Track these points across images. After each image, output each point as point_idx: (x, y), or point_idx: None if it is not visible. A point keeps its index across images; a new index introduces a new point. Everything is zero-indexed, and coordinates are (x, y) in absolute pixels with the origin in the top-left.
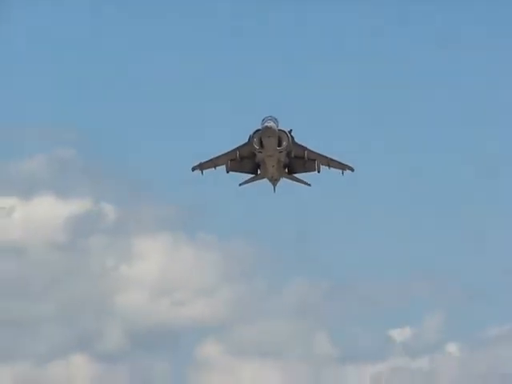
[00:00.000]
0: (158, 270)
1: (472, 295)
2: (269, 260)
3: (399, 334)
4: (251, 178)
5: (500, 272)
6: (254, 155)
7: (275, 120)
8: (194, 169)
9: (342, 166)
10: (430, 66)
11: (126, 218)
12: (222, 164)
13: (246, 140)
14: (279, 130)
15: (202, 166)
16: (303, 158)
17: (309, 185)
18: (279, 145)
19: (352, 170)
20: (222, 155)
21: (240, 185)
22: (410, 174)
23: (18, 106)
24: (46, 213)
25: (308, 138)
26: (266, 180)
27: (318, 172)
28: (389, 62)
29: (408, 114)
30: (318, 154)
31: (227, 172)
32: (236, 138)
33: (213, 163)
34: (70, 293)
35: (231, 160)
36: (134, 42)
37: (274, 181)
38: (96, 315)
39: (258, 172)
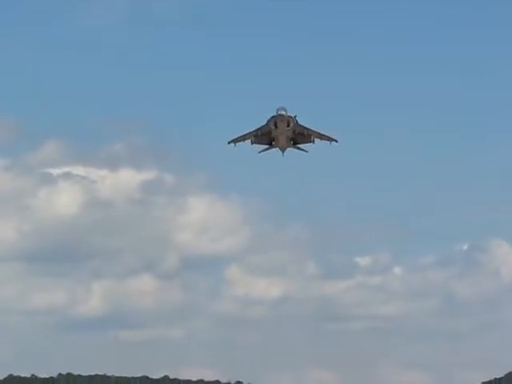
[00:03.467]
0: (202, 218)
1: (414, 234)
2: (275, 207)
3: (362, 261)
4: (267, 148)
5: (430, 214)
6: (270, 133)
7: (285, 109)
8: (229, 142)
9: (329, 139)
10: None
11: (180, 183)
12: (248, 139)
13: (264, 123)
14: (288, 116)
15: (235, 141)
16: (303, 134)
17: (306, 151)
18: (288, 126)
19: (336, 141)
20: (248, 133)
21: (259, 152)
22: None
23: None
24: (127, 180)
25: (306, 119)
26: (277, 149)
27: (313, 143)
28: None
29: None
30: (313, 131)
31: (251, 144)
32: (255, 121)
33: (242, 138)
34: (142, 232)
35: (254, 136)
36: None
37: (283, 149)
38: (160, 248)
39: (273, 144)
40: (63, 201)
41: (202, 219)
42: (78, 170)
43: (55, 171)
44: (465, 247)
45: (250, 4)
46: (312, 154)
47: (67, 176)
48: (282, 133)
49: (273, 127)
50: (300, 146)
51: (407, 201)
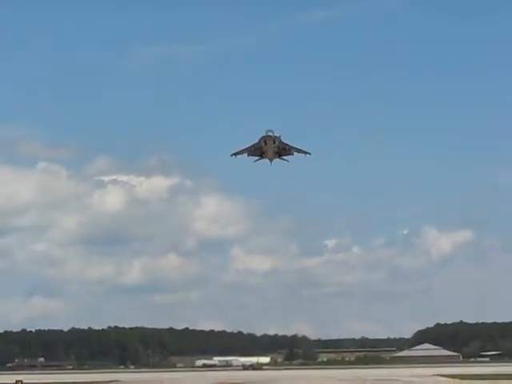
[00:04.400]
0: (213, 212)
1: (368, 222)
2: (266, 203)
3: (330, 243)
4: (259, 158)
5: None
6: (261, 148)
7: (272, 131)
8: (231, 155)
9: (304, 152)
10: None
11: (196, 186)
12: (245, 152)
13: (257, 141)
14: (274, 136)
15: (236, 153)
16: (285, 149)
17: (288, 161)
18: (274, 143)
19: (309, 153)
20: (245, 148)
21: (254, 161)
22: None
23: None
24: (158, 184)
25: (288, 138)
26: (266, 159)
27: (293, 155)
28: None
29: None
30: (292, 146)
31: (247, 156)
32: (251, 139)
33: (241, 152)
34: (169, 223)
35: (250, 150)
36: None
37: (271, 160)
38: (182, 234)
39: (263, 156)
40: (111, 200)
41: (213, 213)
42: (122, 178)
43: (106, 178)
44: (405, 232)
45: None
46: (292, 164)
47: (114, 182)
48: (269, 148)
49: (263, 144)
50: (283, 157)
51: (363, 197)
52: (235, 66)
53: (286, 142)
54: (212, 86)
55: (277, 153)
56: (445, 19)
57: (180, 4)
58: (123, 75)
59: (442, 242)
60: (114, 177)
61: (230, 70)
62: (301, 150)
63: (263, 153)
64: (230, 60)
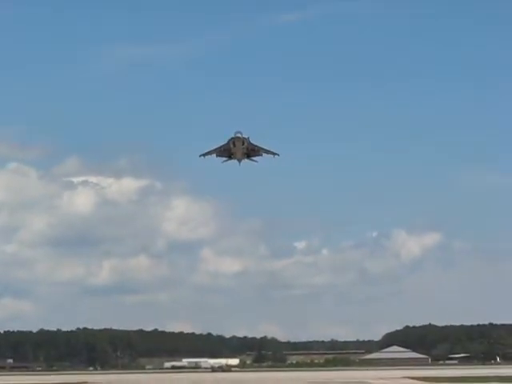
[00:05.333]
0: (182, 213)
1: (337, 225)
2: (236, 205)
3: (299, 244)
4: (228, 159)
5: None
6: (230, 149)
7: (241, 132)
8: (200, 155)
9: (273, 153)
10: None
11: (166, 188)
12: (214, 153)
13: (226, 142)
14: (243, 137)
15: (204, 154)
16: (254, 150)
17: (256, 162)
18: (243, 144)
19: (278, 154)
20: (214, 149)
21: (222, 162)
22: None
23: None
24: (128, 185)
25: (256, 139)
26: (235, 160)
27: (261, 155)
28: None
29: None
30: (261, 147)
31: (216, 156)
32: (219, 140)
33: (209, 153)
34: (139, 224)
35: (218, 151)
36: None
37: (240, 161)
38: (152, 235)
39: (231, 156)
40: (81, 201)
41: (183, 214)
42: (92, 179)
43: (76, 179)
44: (374, 234)
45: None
46: (262, 165)
47: (84, 183)
48: (238, 150)
49: (232, 146)
50: (252, 158)
51: (332, 199)
52: (207, 67)
53: (254, 143)
54: (183, 87)
55: (245, 154)
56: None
57: (151, 4)
58: (94, 75)
59: (411, 244)
60: (84, 178)
61: (201, 71)
62: (269, 150)
63: (232, 154)
64: (201, 61)
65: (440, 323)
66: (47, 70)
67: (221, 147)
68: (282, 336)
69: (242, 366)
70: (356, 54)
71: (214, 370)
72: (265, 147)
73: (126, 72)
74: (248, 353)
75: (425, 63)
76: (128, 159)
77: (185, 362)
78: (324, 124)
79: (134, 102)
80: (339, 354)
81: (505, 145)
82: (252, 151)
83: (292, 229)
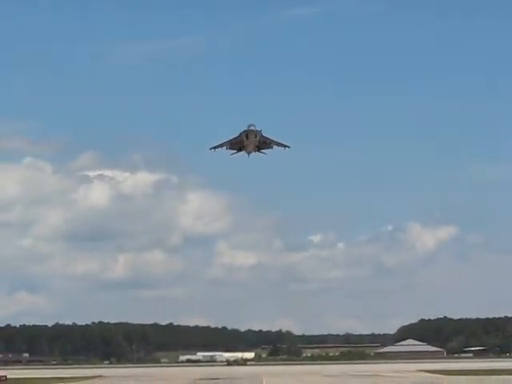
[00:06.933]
0: (197, 207)
1: (353, 218)
2: (251, 198)
3: (315, 238)
4: (237, 151)
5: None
6: (242, 142)
7: (254, 125)
8: (211, 149)
9: (284, 146)
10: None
11: (182, 182)
12: (225, 146)
13: (237, 134)
14: (256, 130)
15: (215, 147)
16: (266, 142)
17: (265, 153)
18: (255, 137)
19: (289, 147)
20: (225, 142)
21: (231, 155)
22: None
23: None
24: (143, 179)
25: (268, 131)
26: (244, 152)
27: (271, 148)
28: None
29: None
30: (273, 140)
31: (226, 149)
32: (229, 133)
33: (221, 145)
34: (154, 218)
35: (230, 144)
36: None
37: (249, 153)
38: (167, 229)
39: (241, 149)
40: (97, 195)
41: (198, 208)
42: (108, 173)
43: (91, 173)
44: (390, 228)
45: None
46: (276, 158)
47: (100, 177)
48: (251, 142)
49: (245, 138)
50: (261, 150)
51: (348, 193)
52: (220, 62)
53: (266, 135)
54: (198, 81)
55: (257, 146)
56: (432, 19)
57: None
58: (109, 71)
59: (426, 238)
60: (100, 172)
61: (215, 66)
62: (281, 143)
63: (243, 146)
64: (214, 56)
65: (455, 316)
66: (62, 65)
67: (232, 140)
68: (297, 329)
69: (258, 360)
70: (363, 50)
71: (229, 363)
72: (276, 140)
73: (139, 68)
74: (263, 346)
75: (444, 61)
76: (143, 153)
77: (200, 355)
78: (339, 119)
79: (150, 97)
80: (354, 347)
81: None
82: (264, 144)
83: (307, 222)
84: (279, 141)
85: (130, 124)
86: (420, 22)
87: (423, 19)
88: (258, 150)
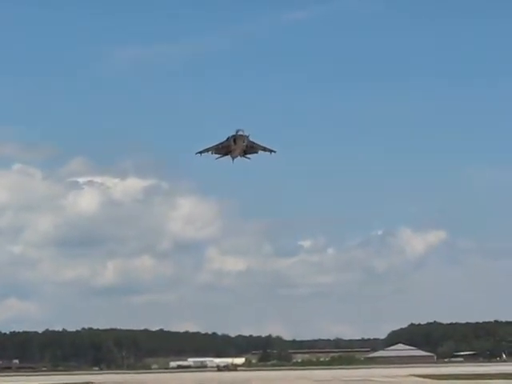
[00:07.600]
0: (187, 213)
1: (343, 223)
2: (241, 204)
3: (305, 243)
4: (223, 156)
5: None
6: (230, 147)
7: (243, 130)
8: (196, 153)
9: (270, 150)
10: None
11: (172, 188)
12: (211, 150)
13: (225, 139)
14: (244, 135)
15: (201, 152)
16: (252, 147)
17: (249, 158)
18: (243, 142)
19: (275, 151)
20: (212, 146)
21: (216, 159)
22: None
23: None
24: (133, 185)
25: (255, 137)
26: (228, 157)
27: (257, 153)
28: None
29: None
30: (258, 145)
31: (211, 154)
32: (215, 138)
33: (207, 150)
34: (144, 224)
35: (216, 149)
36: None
37: (234, 158)
38: (156, 235)
39: (228, 154)
40: (86, 201)
41: (188, 214)
42: (98, 179)
43: (81, 179)
44: (380, 233)
45: None
46: (266, 163)
47: (90, 183)
48: (239, 147)
49: (233, 143)
50: (247, 155)
51: (338, 198)
52: (210, 67)
53: (252, 140)
54: (188, 87)
55: (243, 151)
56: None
57: (152, 4)
58: (98, 76)
59: (416, 242)
60: (90, 178)
61: (205, 71)
62: (266, 148)
63: (230, 151)
64: (204, 61)
65: (445, 321)
66: (51, 71)
67: (219, 144)
68: (287, 335)
69: (248, 365)
70: (359, 53)
71: (219, 369)
72: (262, 144)
73: (131, 72)
74: (253, 352)
75: (440, 64)
76: (133, 159)
77: (190, 361)
78: (328, 123)
79: (139, 102)
80: (344, 352)
81: None
82: (250, 148)
83: (297, 227)
84: (266, 146)
85: (119, 130)
86: (420, 22)
87: (423, 19)
88: (244, 155)
